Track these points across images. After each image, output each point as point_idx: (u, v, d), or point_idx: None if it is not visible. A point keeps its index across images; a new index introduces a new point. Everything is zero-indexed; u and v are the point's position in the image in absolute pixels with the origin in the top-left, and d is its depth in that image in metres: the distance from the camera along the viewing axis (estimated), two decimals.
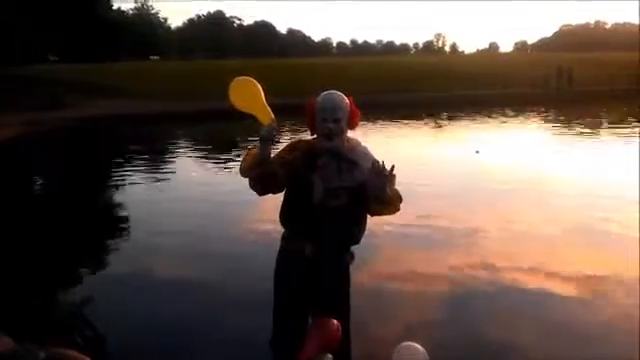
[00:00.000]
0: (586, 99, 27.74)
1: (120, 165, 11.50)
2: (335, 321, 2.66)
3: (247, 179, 2.87)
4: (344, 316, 2.97)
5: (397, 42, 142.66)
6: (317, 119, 2.81)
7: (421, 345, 2.61)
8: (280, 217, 2.99)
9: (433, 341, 3.32)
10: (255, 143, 2.88)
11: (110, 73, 35.62)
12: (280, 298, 3.02)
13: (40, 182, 11.06)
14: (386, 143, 14.20)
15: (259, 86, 2.91)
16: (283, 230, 3.00)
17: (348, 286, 3.01)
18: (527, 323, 3.70)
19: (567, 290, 4.21)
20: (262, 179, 2.85)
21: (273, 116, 2.83)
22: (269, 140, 2.79)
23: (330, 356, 2.62)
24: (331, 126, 2.78)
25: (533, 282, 4.39)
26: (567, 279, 4.43)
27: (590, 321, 3.73)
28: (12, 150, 15.06)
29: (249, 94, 2.88)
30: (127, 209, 7.43)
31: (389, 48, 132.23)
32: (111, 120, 22.05)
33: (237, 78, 2.92)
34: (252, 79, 2.91)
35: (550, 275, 4.51)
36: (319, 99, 2.84)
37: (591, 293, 4.17)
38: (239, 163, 2.93)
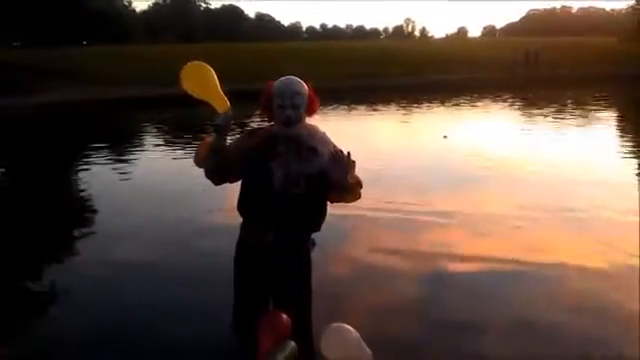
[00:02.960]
0: (558, 83, 28.19)
1: (81, 155, 11.19)
2: (284, 314, 2.64)
3: (202, 169, 2.80)
4: (305, 303, 2.97)
5: (367, 26, 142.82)
6: (274, 105, 2.74)
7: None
8: (238, 206, 2.93)
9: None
10: (210, 131, 2.80)
11: (75, 58, 34.64)
12: (240, 286, 2.98)
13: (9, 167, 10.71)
14: (354, 129, 14.21)
15: (213, 71, 2.78)
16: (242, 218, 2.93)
17: (309, 273, 2.97)
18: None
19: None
20: (218, 169, 2.80)
21: (228, 103, 2.74)
22: (224, 128, 2.71)
23: (293, 343, 2.59)
24: (289, 112, 2.71)
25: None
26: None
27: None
28: None
29: (202, 80, 2.76)
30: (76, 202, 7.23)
31: (359, 32, 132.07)
32: (76, 106, 21.56)
33: (189, 63, 2.78)
34: (205, 64, 2.78)
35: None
36: (276, 84, 2.77)
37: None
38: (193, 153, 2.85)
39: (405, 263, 4.46)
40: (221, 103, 2.72)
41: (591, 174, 7.69)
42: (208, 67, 2.78)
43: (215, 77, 2.77)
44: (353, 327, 2.69)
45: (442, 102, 21.48)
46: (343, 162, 2.63)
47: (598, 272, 4.20)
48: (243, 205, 2.91)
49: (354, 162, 2.71)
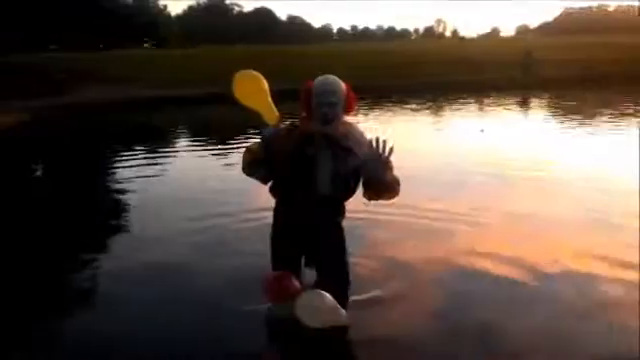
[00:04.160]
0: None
1: (122, 153, 11.44)
2: (295, 279, 2.83)
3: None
4: (342, 269, 3.17)
5: (398, 27, 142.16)
6: (313, 103, 2.83)
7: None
8: (271, 190, 3.17)
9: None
10: (256, 140, 2.93)
11: (113, 61, 35.44)
12: (276, 252, 3.20)
13: (46, 166, 10.98)
14: (384, 127, 14.17)
15: (265, 82, 2.81)
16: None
17: (343, 240, 3.17)
18: None
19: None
20: (266, 177, 3.03)
21: (278, 114, 2.80)
22: (273, 141, 2.84)
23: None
24: (326, 110, 2.81)
25: None
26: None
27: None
28: (20, 135, 15.23)
29: (255, 90, 2.81)
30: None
31: (390, 34, 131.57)
32: (117, 105, 22.04)
33: (242, 72, 2.82)
34: (258, 74, 2.83)
35: None
36: (315, 83, 2.87)
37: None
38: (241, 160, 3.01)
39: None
40: (271, 115, 2.79)
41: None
42: (261, 77, 2.82)
43: (267, 88, 2.82)
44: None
45: (476, 101, 21.33)
46: (382, 157, 2.73)
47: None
48: (277, 192, 3.12)
49: (391, 161, 2.80)
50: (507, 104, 21.18)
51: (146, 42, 64.11)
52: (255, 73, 2.84)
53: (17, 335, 3.32)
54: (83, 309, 3.72)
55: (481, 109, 19.62)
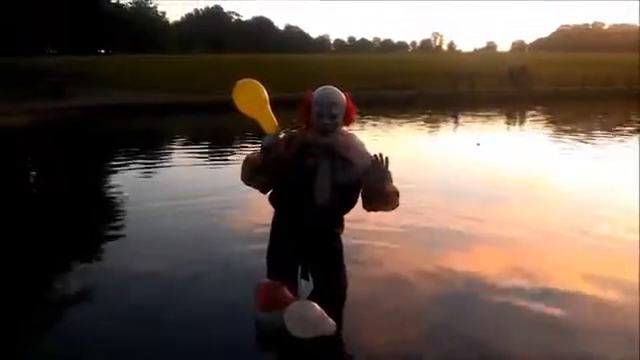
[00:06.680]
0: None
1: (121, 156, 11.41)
2: (287, 290, 2.78)
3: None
4: (338, 281, 3.20)
5: (395, 40, 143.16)
6: (313, 114, 2.82)
7: None
8: (270, 199, 3.13)
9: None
10: (255, 149, 2.92)
11: (110, 66, 35.47)
12: (272, 261, 3.16)
13: (51, 168, 10.91)
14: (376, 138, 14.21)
15: (265, 91, 2.81)
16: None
17: (341, 252, 3.18)
18: None
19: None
20: (265, 186, 2.99)
21: (277, 124, 2.80)
22: (272, 150, 2.81)
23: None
24: (327, 122, 2.80)
25: None
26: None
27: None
28: (23, 137, 15.31)
29: (255, 99, 2.80)
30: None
31: (386, 46, 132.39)
32: (114, 109, 22.00)
33: (243, 80, 2.82)
34: (259, 83, 2.82)
35: None
36: (316, 94, 2.85)
37: None
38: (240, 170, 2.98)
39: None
40: (270, 124, 2.78)
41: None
42: (261, 86, 2.81)
43: (267, 97, 2.81)
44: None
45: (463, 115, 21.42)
46: (382, 169, 2.72)
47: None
48: (275, 201, 3.10)
49: (390, 172, 2.80)
50: (501, 117, 21.37)
51: (146, 48, 64.08)
52: (256, 82, 2.83)
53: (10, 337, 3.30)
54: (75, 309, 3.70)
55: (477, 122, 19.69)
